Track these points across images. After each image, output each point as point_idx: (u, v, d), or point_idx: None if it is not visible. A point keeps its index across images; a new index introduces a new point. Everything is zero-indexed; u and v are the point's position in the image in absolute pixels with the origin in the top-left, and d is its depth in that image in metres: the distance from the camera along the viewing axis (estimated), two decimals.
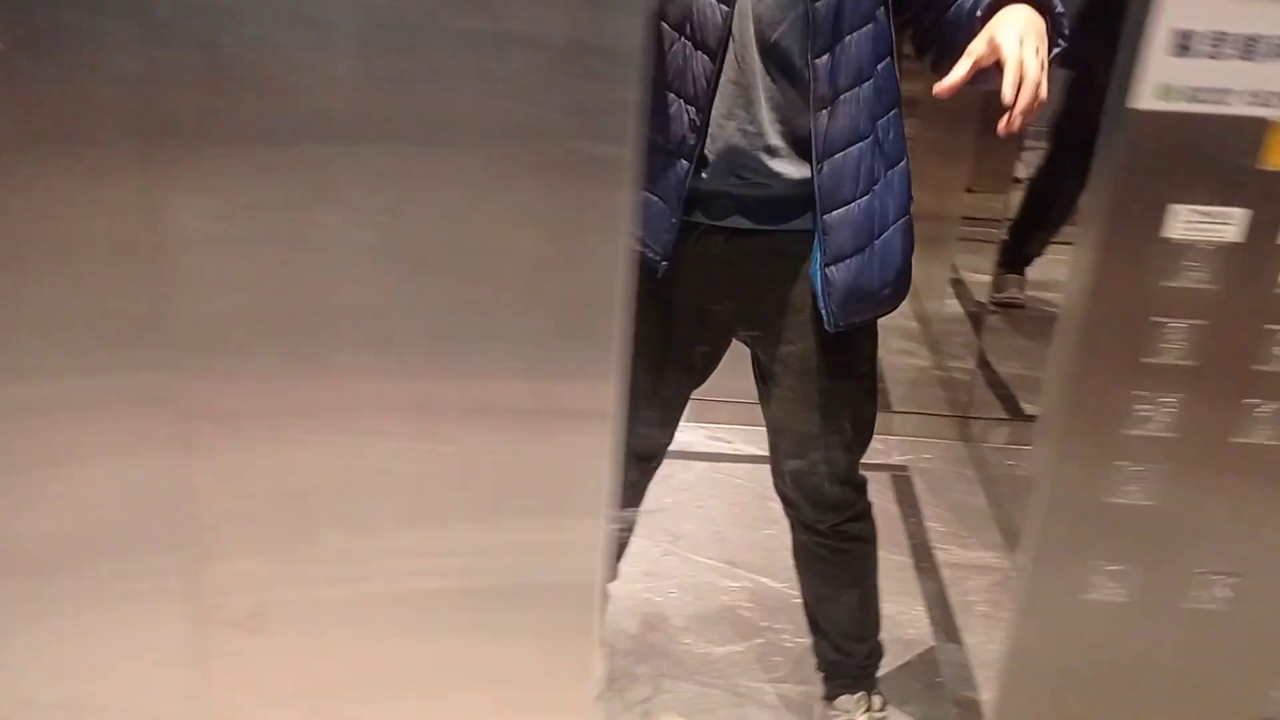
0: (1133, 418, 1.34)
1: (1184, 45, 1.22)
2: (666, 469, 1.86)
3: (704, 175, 1.53)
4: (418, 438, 1.20)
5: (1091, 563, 1.40)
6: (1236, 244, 1.28)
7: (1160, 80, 1.23)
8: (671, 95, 1.51)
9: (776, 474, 1.77)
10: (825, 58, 1.47)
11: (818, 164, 1.50)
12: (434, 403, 1.19)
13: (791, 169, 1.52)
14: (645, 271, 1.59)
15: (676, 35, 1.49)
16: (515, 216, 1.11)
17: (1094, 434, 1.36)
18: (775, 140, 1.51)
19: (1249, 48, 1.22)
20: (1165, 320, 1.31)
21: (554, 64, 1.05)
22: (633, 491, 1.86)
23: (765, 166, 1.53)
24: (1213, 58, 1.22)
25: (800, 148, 1.52)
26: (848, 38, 1.47)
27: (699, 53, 1.48)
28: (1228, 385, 1.33)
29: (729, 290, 1.63)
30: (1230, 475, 1.35)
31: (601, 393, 1.19)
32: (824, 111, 1.48)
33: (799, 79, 1.48)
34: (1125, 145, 1.26)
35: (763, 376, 1.71)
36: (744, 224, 1.57)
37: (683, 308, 1.65)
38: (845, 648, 1.89)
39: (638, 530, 1.97)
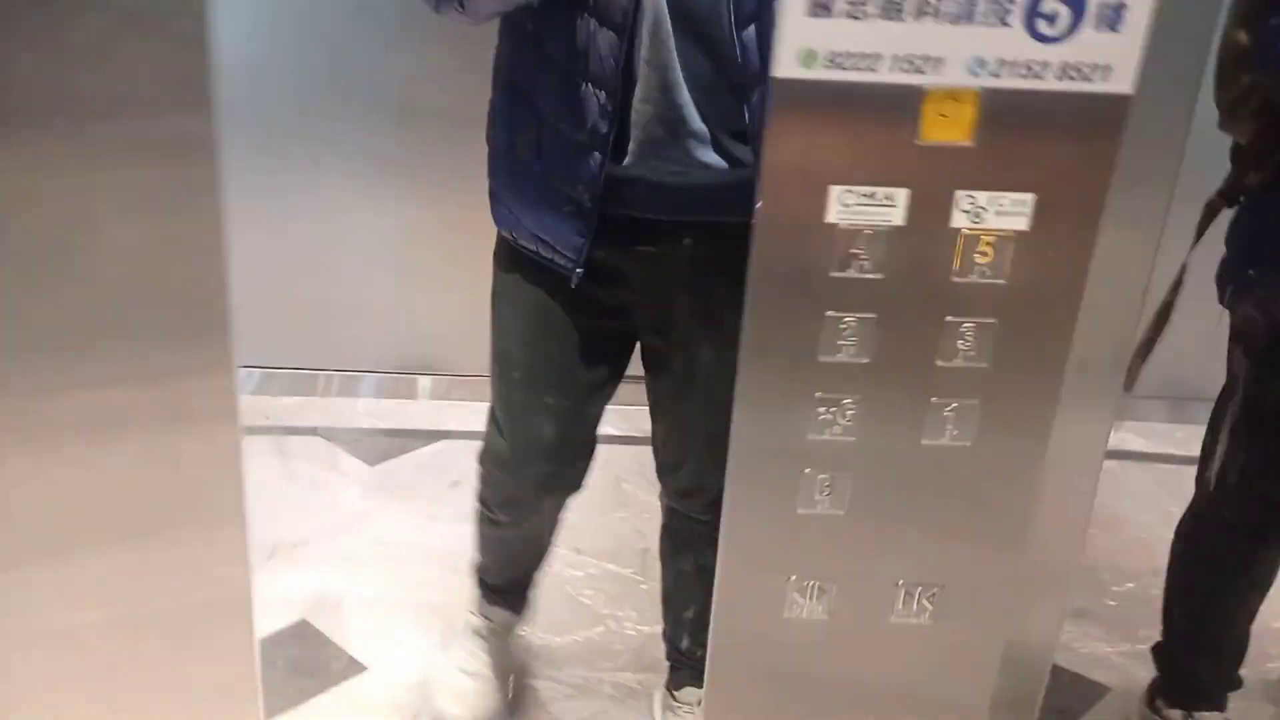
0: (816, 422, 1.21)
1: (822, 3, 1.05)
2: None
3: (623, 165, 1.36)
4: (35, 458, 1.09)
5: (786, 580, 1.27)
6: (903, 228, 1.13)
7: (800, 44, 1.07)
8: (578, 79, 1.32)
9: (667, 471, 1.67)
10: (751, 29, 1.28)
11: (755, 152, 1.32)
12: (46, 417, 1.07)
13: (722, 157, 1.36)
14: (558, 281, 1.43)
15: (580, 12, 1.30)
16: (103, 201, 1.00)
17: (778, 440, 1.22)
18: (699, 125, 1.34)
19: (892, 6, 1.05)
20: (839, 315, 1.17)
21: (124, 29, 0.94)
22: (550, 526, 1.77)
23: (690, 156, 1.36)
24: (854, 17, 1.06)
25: (733, 132, 1.35)
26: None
27: (603, 28, 1.29)
28: (911, 384, 1.18)
29: (651, 290, 1.47)
30: (921, 480, 1.22)
31: (219, 389, 1.10)
32: (757, 91, 1.30)
33: (723, 55, 1.30)
34: (774, 121, 1.10)
35: (670, 376, 1.56)
36: (669, 218, 1.40)
37: (598, 313, 1.49)
38: (702, 639, 1.78)
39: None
